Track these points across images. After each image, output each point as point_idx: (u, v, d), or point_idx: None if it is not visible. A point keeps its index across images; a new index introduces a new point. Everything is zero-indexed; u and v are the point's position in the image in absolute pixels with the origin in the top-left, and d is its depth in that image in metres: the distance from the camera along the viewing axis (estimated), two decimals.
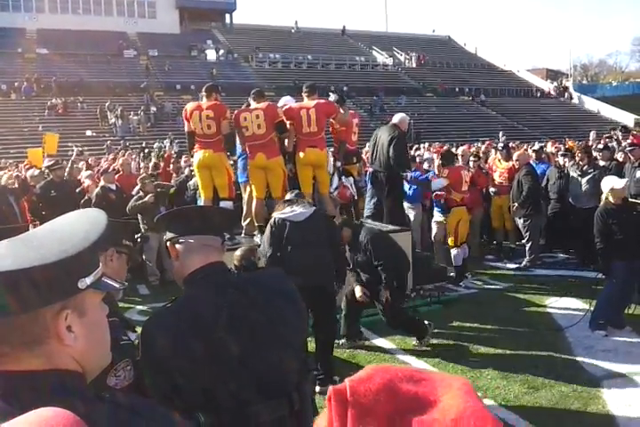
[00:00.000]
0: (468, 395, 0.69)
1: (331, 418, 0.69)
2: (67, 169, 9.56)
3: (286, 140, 6.58)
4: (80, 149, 15.44)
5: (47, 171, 9.01)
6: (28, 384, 0.88)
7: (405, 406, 0.68)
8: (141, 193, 8.10)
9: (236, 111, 6.40)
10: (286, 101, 6.92)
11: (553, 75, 54.37)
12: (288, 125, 6.37)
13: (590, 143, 14.54)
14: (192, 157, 6.86)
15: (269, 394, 1.77)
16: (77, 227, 0.95)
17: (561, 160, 9.51)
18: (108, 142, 24.71)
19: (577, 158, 8.76)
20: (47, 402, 0.84)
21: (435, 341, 5.56)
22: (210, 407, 1.71)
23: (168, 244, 1.91)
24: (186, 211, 2.03)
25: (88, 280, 0.93)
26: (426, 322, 5.54)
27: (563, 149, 11.47)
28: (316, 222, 4.70)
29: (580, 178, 8.29)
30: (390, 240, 5.61)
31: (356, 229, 5.47)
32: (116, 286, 1.01)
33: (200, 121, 6.21)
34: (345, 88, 35.78)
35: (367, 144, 8.58)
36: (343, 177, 7.05)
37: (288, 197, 5.08)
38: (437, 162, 8.71)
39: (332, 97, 7.31)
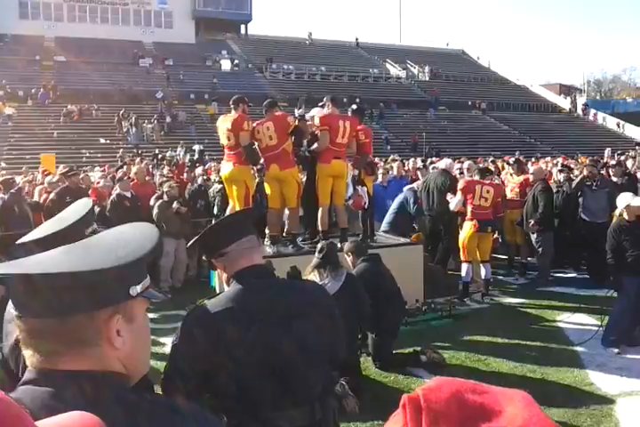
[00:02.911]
0: (531, 406, 0.73)
1: (405, 422, 0.73)
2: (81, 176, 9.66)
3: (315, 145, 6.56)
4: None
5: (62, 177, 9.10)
6: (79, 383, 0.93)
7: (474, 413, 0.72)
8: (165, 197, 8.28)
9: (254, 124, 6.48)
10: (317, 112, 6.95)
11: (566, 90, 54.27)
12: (321, 132, 6.39)
13: (605, 160, 14.54)
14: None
15: (291, 402, 1.79)
16: (132, 237, 1.01)
17: (558, 176, 9.54)
18: (121, 151, 24.94)
19: (585, 173, 8.77)
20: (95, 401, 0.90)
21: (445, 355, 5.53)
22: (230, 410, 1.73)
23: (213, 261, 1.97)
24: (210, 229, 2.06)
25: (138, 288, 0.99)
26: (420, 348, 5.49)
27: (560, 164, 11.52)
28: (343, 294, 4.54)
29: (594, 193, 8.29)
30: (379, 282, 5.28)
31: (362, 260, 5.40)
32: (161, 296, 1.07)
33: (223, 133, 6.39)
34: (357, 100, 35.96)
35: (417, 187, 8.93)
36: (358, 186, 7.09)
37: (315, 259, 4.81)
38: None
39: (354, 107, 7.42)
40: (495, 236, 8.05)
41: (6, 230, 7.91)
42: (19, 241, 2.01)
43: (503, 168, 12.81)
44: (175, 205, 8.16)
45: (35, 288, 0.89)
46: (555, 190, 8.74)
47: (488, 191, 7.47)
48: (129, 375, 1.01)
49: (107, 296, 0.95)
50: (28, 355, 0.95)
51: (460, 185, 7.57)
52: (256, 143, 6.44)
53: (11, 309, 1.92)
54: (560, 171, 9.74)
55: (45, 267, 0.89)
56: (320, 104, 6.90)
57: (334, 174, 6.51)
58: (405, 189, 9.03)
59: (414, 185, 9.13)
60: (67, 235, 1.90)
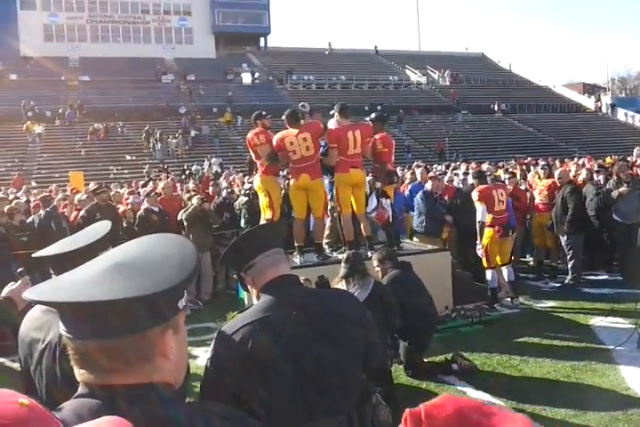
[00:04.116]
0: None
1: None
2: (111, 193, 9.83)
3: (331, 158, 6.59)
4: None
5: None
6: (138, 396, 0.96)
7: None
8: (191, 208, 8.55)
9: (276, 137, 6.49)
10: (331, 125, 6.94)
11: (590, 89, 53.49)
12: (330, 149, 6.43)
13: (634, 159, 14.27)
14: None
15: (326, 412, 1.79)
16: (178, 251, 1.03)
17: (597, 177, 9.40)
18: (147, 166, 25.30)
19: (618, 174, 8.65)
20: (152, 411, 0.93)
21: (476, 362, 5.48)
22: (264, 420, 1.74)
23: (243, 275, 1.99)
24: (237, 242, 2.08)
25: (184, 301, 1.03)
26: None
27: (596, 165, 11.35)
28: (371, 303, 4.48)
29: (628, 193, 8.20)
30: (409, 290, 5.25)
31: (393, 267, 5.41)
32: (194, 307, 1.12)
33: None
34: (379, 107, 35.98)
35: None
36: (382, 198, 7.06)
37: (343, 269, 4.81)
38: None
39: (372, 115, 7.42)
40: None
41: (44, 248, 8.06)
42: (34, 254, 2.04)
43: (529, 170, 12.67)
44: (197, 200, 8.52)
45: (95, 313, 0.91)
46: (595, 192, 8.58)
47: (502, 194, 7.43)
48: (175, 383, 1.04)
49: (163, 313, 0.98)
50: (81, 373, 0.97)
51: (476, 196, 7.36)
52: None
53: (34, 316, 1.95)
54: (597, 171, 9.62)
55: (105, 293, 0.90)
56: (331, 112, 6.91)
57: (353, 183, 6.52)
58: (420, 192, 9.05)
59: (426, 186, 9.10)
60: (77, 256, 1.83)
